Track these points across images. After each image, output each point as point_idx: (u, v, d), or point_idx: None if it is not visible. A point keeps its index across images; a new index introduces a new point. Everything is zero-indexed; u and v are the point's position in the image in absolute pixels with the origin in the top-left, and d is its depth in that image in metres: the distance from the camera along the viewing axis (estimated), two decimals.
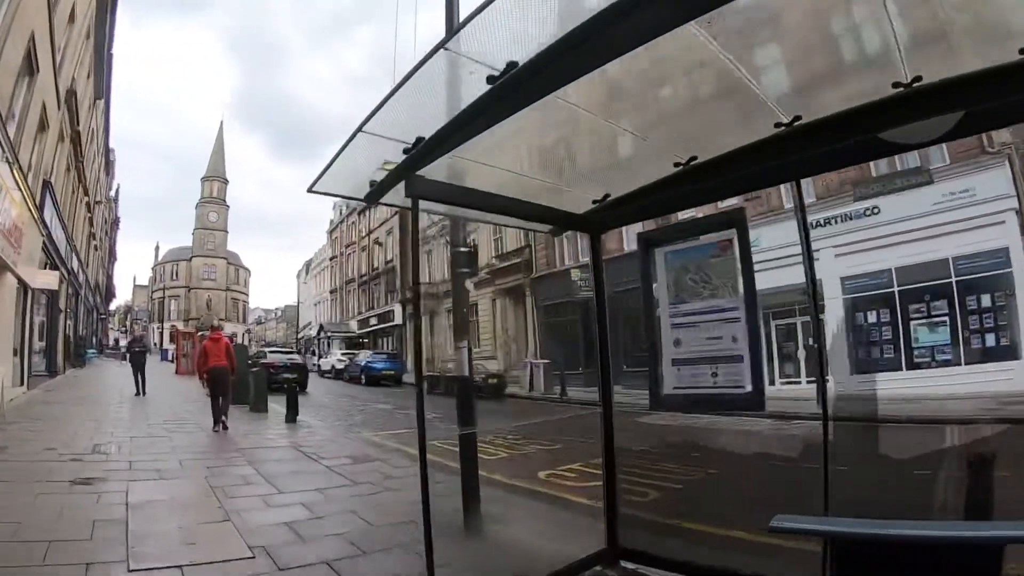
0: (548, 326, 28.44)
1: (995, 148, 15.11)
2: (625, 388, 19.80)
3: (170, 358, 51.09)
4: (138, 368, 18.77)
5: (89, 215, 32.66)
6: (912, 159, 15.56)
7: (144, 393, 17.78)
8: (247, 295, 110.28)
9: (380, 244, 49.75)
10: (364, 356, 32.70)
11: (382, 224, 50.56)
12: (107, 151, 42.47)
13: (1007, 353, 14.34)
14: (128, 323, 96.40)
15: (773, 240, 19.85)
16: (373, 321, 50.27)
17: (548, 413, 17.70)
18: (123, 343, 68.16)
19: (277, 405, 14.71)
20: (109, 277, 67.50)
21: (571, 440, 11.33)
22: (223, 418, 11.18)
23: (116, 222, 73.38)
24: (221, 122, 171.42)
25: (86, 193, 28.39)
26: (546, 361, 23.11)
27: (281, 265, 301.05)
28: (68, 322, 28.80)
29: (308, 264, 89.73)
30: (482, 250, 35.44)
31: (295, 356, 28.40)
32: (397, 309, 44.81)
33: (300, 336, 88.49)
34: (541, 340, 28.38)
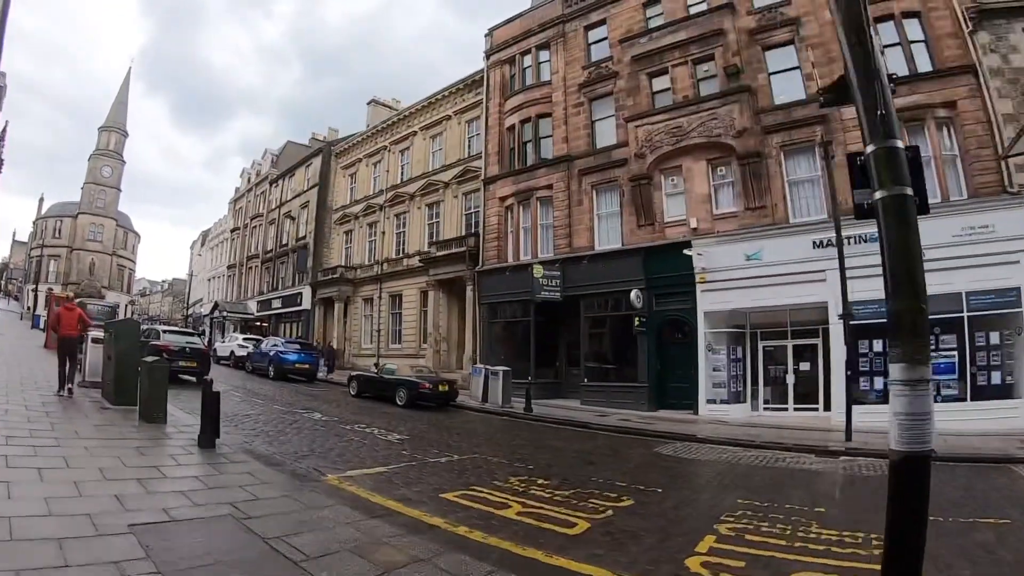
0: (492, 327, 25.46)
1: (1015, 188, 15.19)
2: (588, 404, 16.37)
3: (41, 326, 45.32)
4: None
5: None
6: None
7: None
8: (134, 262, 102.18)
9: (293, 218, 45.67)
10: (271, 344, 28.09)
11: (296, 196, 46.68)
12: None
13: (1010, 391, 14.57)
14: (4, 283, 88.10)
15: (777, 255, 17.76)
16: (276, 303, 46.11)
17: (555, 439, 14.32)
18: None
19: (177, 409, 11.25)
20: None
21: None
22: (69, 385, 12.41)
23: None
24: (129, 68, 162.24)
25: None
26: (506, 368, 19.83)
27: (170, 237, 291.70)
28: None
29: (205, 235, 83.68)
30: (413, 235, 32.12)
31: (195, 340, 22.46)
32: (306, 292, 41.01)
33: (189, 313, 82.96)
34: (483, 341, 25.56)
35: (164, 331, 22.24)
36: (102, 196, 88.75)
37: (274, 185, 52.35)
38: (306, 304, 40.84)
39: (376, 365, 26.11)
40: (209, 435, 8.62)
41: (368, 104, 44.19)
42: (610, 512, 7.09)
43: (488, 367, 20.54)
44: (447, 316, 28.99)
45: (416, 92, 41.56)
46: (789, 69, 19.55)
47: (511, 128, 26.85)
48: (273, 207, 51.48)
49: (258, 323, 49.65)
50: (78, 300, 30.36)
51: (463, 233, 29.29)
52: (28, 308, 66.63)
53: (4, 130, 66.68)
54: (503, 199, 26.17)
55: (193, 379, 19.01)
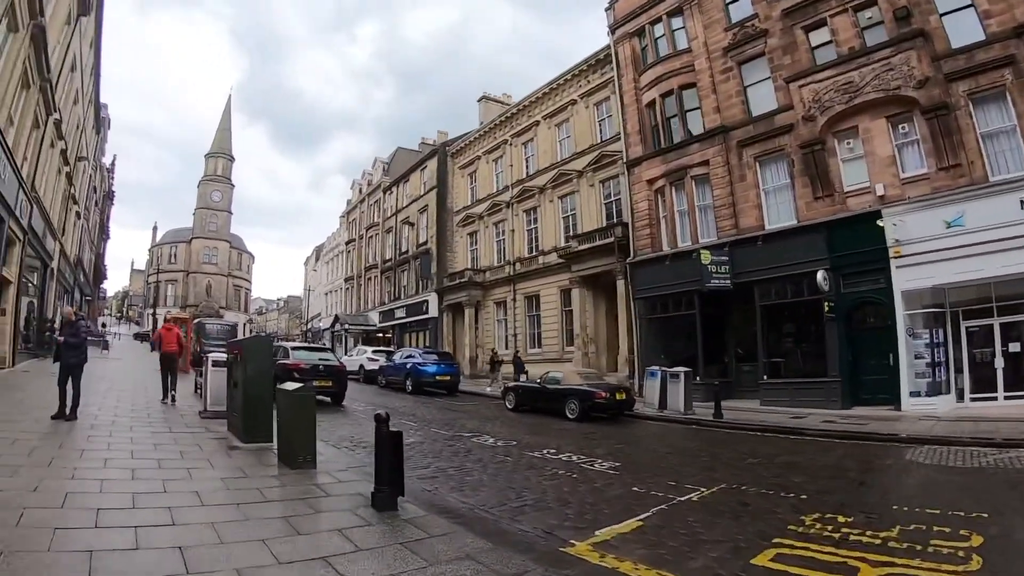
0: (650, 323, 23.84)
1: None
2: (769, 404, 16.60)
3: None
4: (69, 373, 10.49)
5: (67, 168, 28.12)
6: None
7: (71, 415, 10.25)
8: (250, 282, 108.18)
9: (411, 224, 45.45)
10: (406, 355, 27.22)
11: (413, 202, 46.49)
12: (97, 102, 37.23)
13: None
14: (124, 309, 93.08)
15: (981, 219, 15.27)
16: (400, 313, 46.00)
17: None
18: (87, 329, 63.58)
19: (322, 443, 9.25)
20: (99, 255, 62.56)
21: None
22: (172, 392, 14.48)
23: (110, 196, 69.22)
24: (229, 96, 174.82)
25: (60, 135, 23.76)
26: (687, 369, 17.80)
27: (280, 257, 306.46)
28: (25, 299, 24.05)
29: (319, 250, 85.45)
30: (547, 230, 30.51)
31: (329, 357, 20.54)
32: (432, 299, 40.58)
33: (307, 328, 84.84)
34: (639, 340, 24.04)
35: (293, 348, 20.63)
36: (214, 220, 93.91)
37: (388, 193, 52.56)
38: (433, 312, 40.39)
39: (515, 368, 25.73)
40: (389, 494, 6.33)
41: (479, 101, 43.52)
42: (979, 560, 5.38)
43: (666, 369, 18.62)
44: (594, 315, 27.37)
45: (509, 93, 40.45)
46: (962, 8, 16.87)
47: (651, 104, 25.00)
48: (389, 215, 51.63)
49: (380, 334, 50.14)
50: (196, 320, 30.47)
51: (603, 224, 27.80)
52: (150, 330, 69.26)
53: (113, 164, 70.23)
54: (651, 182, 24.31)
55: (328, 400, 18.03)
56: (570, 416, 17.04)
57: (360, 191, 62.25)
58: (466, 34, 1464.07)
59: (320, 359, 19.41)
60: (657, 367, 19.09)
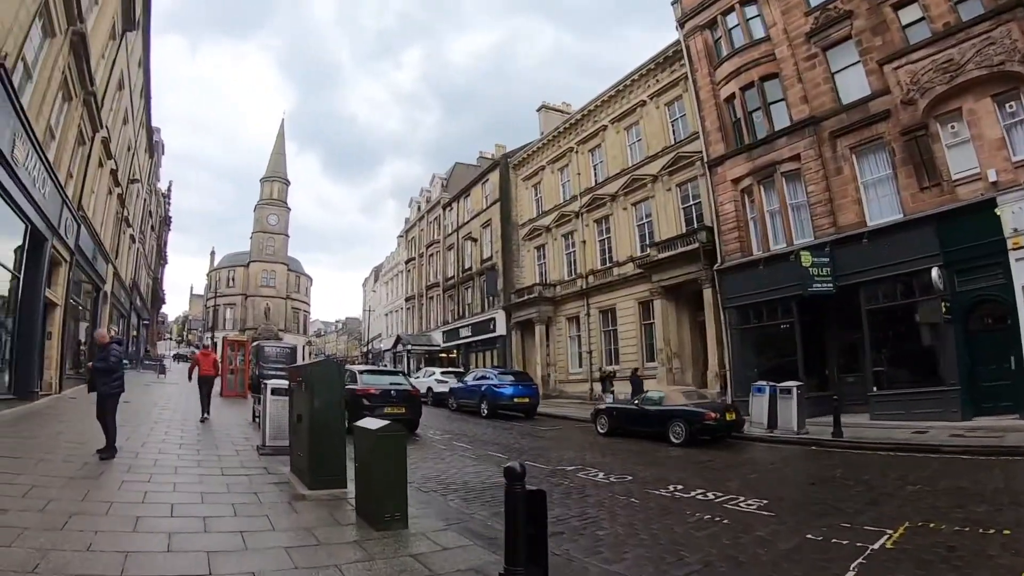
0: (742, 334, 22.63)
1: None
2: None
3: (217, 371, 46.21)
4: (105, 403, 9.63)
5: (118, 190, 28.25)
6: None
7: (109, 453, 9.35)
8: (308, 304, 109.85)
9: (474, 240, 44.91)
10: (479, 376, 26.49)
11: (475, 217, 46.12)
12: (149, 125, 37.49)
13: None
14: (184, 333, 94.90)
15: None
16: (464, 332, 45.57)
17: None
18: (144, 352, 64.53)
19: (412, 490, 7.53)
20: (157, 280, 63.52)
21: None
22: (206, 415, 16.00)
23: (167, 221, 70.47)
24: (282, 120, 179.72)
25: (109, 154, 23.79)
26: (798, 384, 16.45)
27: (336, 280, 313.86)
28: (74, 323, 23.82)
29: (377, 271, 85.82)
30: (621, 240, 29.40)
31: (401, 381, 19.01)
32: (499, 317, 40.02)
33: (367, 349, 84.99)
34: (731, 352, 22.93)
35: (361, 372, 18.87)
36: (271, 243, 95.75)
37: (448, 209, 52.40)
38: (500, 330, 39.77)
39: (605, 387, 25.07)
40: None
41: (538, 111, 42.94)
42: None
43: (775, 384, 17.21)
44: (677, 327, 26.02)
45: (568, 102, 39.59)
46: None
47: (730, 98, 24.04)
48: (450, 232, 51.42)
49: (443, 354, 49.88)
50: (254, 343, 29.90)
51: (683, 230, 26.69)
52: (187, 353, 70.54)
53: (169, 189, 71.56)
54: (737, 181, 23.19)
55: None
56: (675, 440, 15.69)
57: (418, 209, 62.37)
58: (508, 54, 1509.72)
59: (392, 383, 18.06)
60: (764, 382, 17.71)
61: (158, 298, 70.59)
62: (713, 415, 15.45)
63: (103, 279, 27.19)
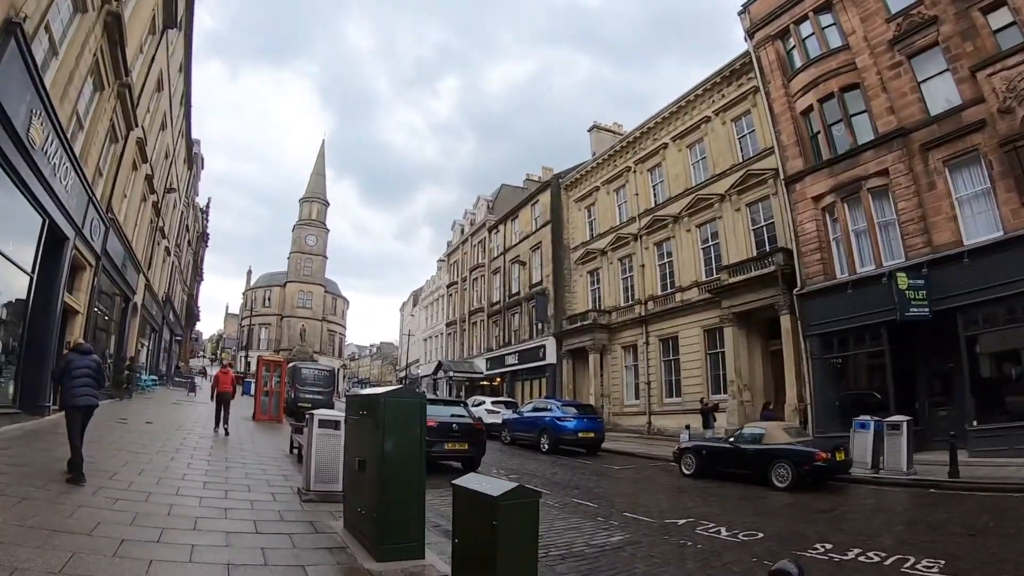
0: (825, 365, 21.44)
1: None
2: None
3: (251, 392, 45.58)
4: (76, 416, 8.79)
5: (153, 197, 27.93)
6: None
7: (74, 475, 8.34)
8: (344, 327, 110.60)
9: (522, 264, 44.12)
10: (537, 407, 24.81)
11: (524, 239, 45.39)
12: (188, 135, 37.39)
13: None
14: (218, 352, 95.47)
15: None
16: (511, 360, 44.68)
17: None
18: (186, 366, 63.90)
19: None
20: (192, 296, 63.65)
21: None
22: (225, 425, 17.60)
23: (204, 238, 70.83)
24: (323, 141, 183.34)
25: (144, 157, 23.44)
26: (907, 418, 15.03)
27: (371, 305, 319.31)
28: (105, 335, 23.55)
29: (416, 295, 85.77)
30: (685, 263, 28.25)
31: (462, 412, 17.04)
32: (550, 344, 39.01)
33: (403, 375, 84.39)
34: (813, 384, 21.61)
35: None
36: (308, 264, 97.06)
37: (494, 232, 51.96)
38: (550, 358, 38.81)
39: (707, 422, 23.40)
40: None
41: (589, 131, 42.76)
42: None
43: (880, 419, 15.76)
44: (747, 357, 24.48)
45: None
46: None
47: (806, 111, 23.10)
48: (496, 255, 50.84)
49: (485, 382, 49.24)
50: (290, 364, 29.05)
51: (753, 252, 25.69)
52: (239, 374, 69.70)
53: (207, 206, 72.02)
54: (817, 199, 22.09)
55: (459, 466, 15.29)
56: (778, 484, 14.01)
57: (461, 232, 62.11)
58: (543, 84, 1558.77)
59: (453, 415, 16.06)
60: (868, 417, 16.22)
61: (192, 314, 70.91)
62: (824, 455, 13.79)
63: (133, 289, 26.53)
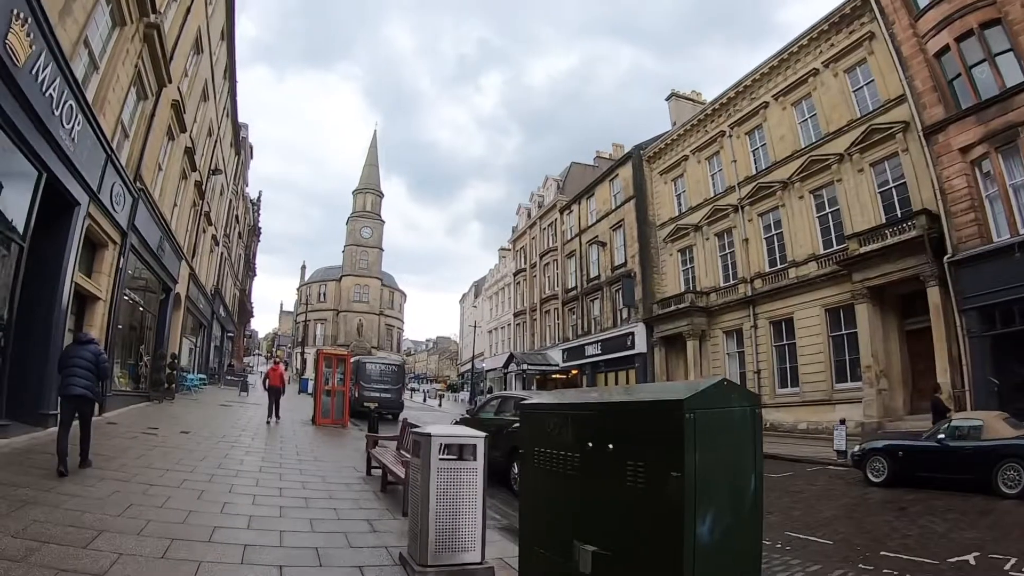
0: (984, 344, 19.21)
1: None
2: None
3: (309, 390, 44.68)
4: (65, 407, 9.00)
5: (195, 176, 26.91)
6: None
7: (80, 461, 8.88)
8: (402, 321, 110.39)
9: (602, 244, 42.24)
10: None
11: (603, 218, 43.82)
12: (234, 115, 37.00)
13: None
14: (274, 349, 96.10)
15: None
16: (591, 350, 43.14)
17: None
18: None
19: None
20: (244, 292, 63.31)
21: None
22: (275, 418, 20.09)
23: (256, 232, 70.61)
24: (374, 132, 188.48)
25: (182, 126, 21.80)
26: None
27: (424, 300, 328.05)
28: (140, 329, 22.32)
29: (478, 285, 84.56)
30: (798, 234, 26.13)
31: None
32: (639, 331, 37.19)
33: (464, 371, 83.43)
34: (971, 367, 19.31)
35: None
36: (364, 257, 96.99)
37: (566, 213, 50.53)
38: (640, 346, 37.00)
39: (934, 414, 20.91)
40: None
41: (667, 100, 41.39)
42: None
43: None
44: (883, 339, 22.26)
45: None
46: None
47: (941, 52, 20.92)
48: (569, 237, 49.45)
49: (560, 375, 47.79)
50: (354, 358, 27.43)
51: (881, 218, 23.55)
52: (296, 371, 69.04)
53: (259, 199, 71.80)
54: (965, 150, 19.92)
55: None
56: (1006, 491, 11.39)
57: (528, 216, 60.74)
58: (586, 76, 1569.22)
59: None
60: None
61: (246, 311, 70.91)
62: None
63: (174, 278, 24.67)
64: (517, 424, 11.41)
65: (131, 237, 17.20)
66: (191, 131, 23.71)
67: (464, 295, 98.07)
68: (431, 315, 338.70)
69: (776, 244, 28.78)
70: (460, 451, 6.09)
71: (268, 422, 19.74)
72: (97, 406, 11.71)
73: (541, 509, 4.76)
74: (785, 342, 27.73)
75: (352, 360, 26.88)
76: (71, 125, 11.32)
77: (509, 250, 66.67)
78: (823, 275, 25.38)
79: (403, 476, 8.18)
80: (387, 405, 27.80)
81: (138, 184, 17.12)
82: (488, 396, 16.28)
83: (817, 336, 25.81)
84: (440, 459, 5.96)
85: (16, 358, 10.76)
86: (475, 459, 6.07)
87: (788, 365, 27.51)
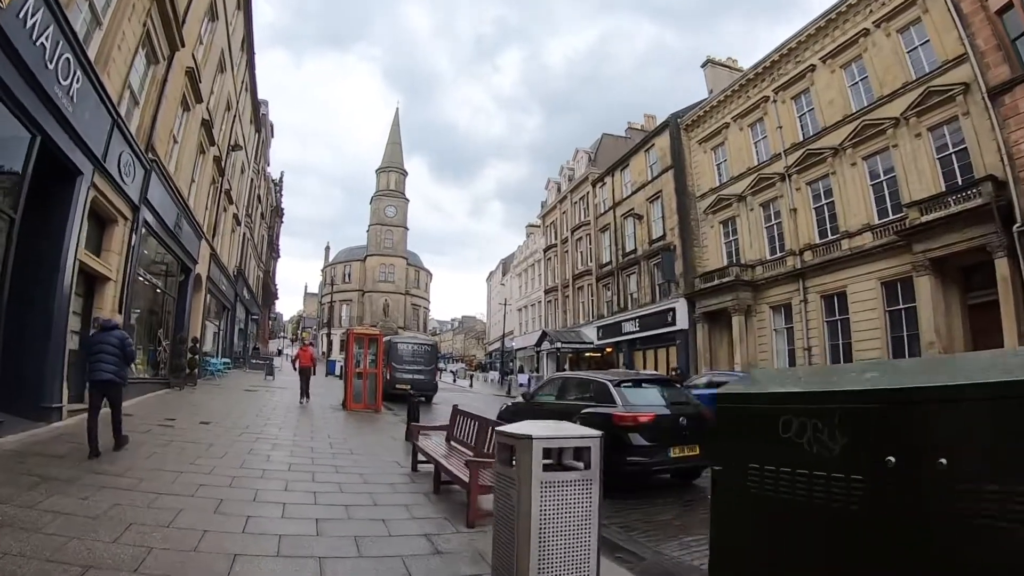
0: None
1: None
2: None
3: (337, 372, 44.47)
4: (93, 393, 9.34)
5: (214, 150, 26.05)
6: None
7: (111, 446, 9.35)
8: (428, 301, 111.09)
9: (639, 217, 41.78)
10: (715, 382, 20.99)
11: (639, 190, 43.23)
12: (253, 90, 37.87)
13: None
14: (299, 332, 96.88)
15: None
16: (629, 327, 42.70)
17: None
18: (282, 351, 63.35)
19: None
20: (268, 274, 63.33)
21: None
22: (307, 395, 21.69)
23: (279, 212, 70.68)
24: (396, 110, 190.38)
25: (198, 95, 21.09)
26: None
27: (447, 280, 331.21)
28: (161, 314, 22.00)
29: (505, 263, 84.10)
30: (851, 203, 25.57)
31: (682, 396, 12.01)
32: (680, 307, 36.64)
33: (492, 350, 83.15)
34: None
35: (618, 384, 11.09)
36: (389, 236, 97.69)
37: (599, 185, 49.95)
38: (681, 323, 36.44)
39: None
40: None
41: (703, 67, 40.97)
42: None
43: None
44: (944, 313, 21.56)
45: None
46: None
47: (1003, 9, 19.95)
48: (603, 210, 48.93)
49: (593, 353, 47.45)
50: (386, 338, 28.12)
51: (940, 186, 22.75)
52: (322, 353, 69.08)
53: (281, 180, 71.86)
54: None
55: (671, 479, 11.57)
56: None
57: (558, 190, 60.27)
58: (606, 54, 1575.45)
59: (672, 402, 11.07)
60: None
61: (270, 293, 71.11)
62: None
63: (194, 259, 24.09)
64: (589, 410, 10.62)
65: (144, 213, 16.35)
66: (208, 103, 23.21)
67: (491, 273, 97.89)
68: (455, 295, 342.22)
69: (826, 214, 28.00)
70: (559, 456, 4.68)
71: (301, 402, 21.16)
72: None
73: (763, 565, 3.31)
74: (837, 317, 27.03)
75: (385, 339, 26.38)
76: (69, 82, 10.39)
77: (537, 226, 66.22)
78: (879, 246, 24.59)
79: (464, 479, 7.33)
80: (421, 387, 27.03)
81: (150, 155, 16.27)
82: (549, 377, 14.34)
83: (872, 311, 25.10)
84: (543, 471, 4.54)
85: (9, 345, 9.76)
86: (590, 467, 4.68)
87: (841, 341, 26.76)
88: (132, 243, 15.58)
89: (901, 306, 23.94)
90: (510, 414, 13.45)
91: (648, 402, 10.84)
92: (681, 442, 10.11)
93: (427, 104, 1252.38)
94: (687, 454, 10.08)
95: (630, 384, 11.47)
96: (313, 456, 11.19)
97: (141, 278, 18.01)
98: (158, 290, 21.07)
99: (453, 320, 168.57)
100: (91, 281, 13.98)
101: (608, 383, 11.30)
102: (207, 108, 23.20)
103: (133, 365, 14.07)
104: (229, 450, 10.85)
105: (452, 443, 9.86)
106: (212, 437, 12.13)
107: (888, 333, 24.54)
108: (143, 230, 16.64)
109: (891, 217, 24.52)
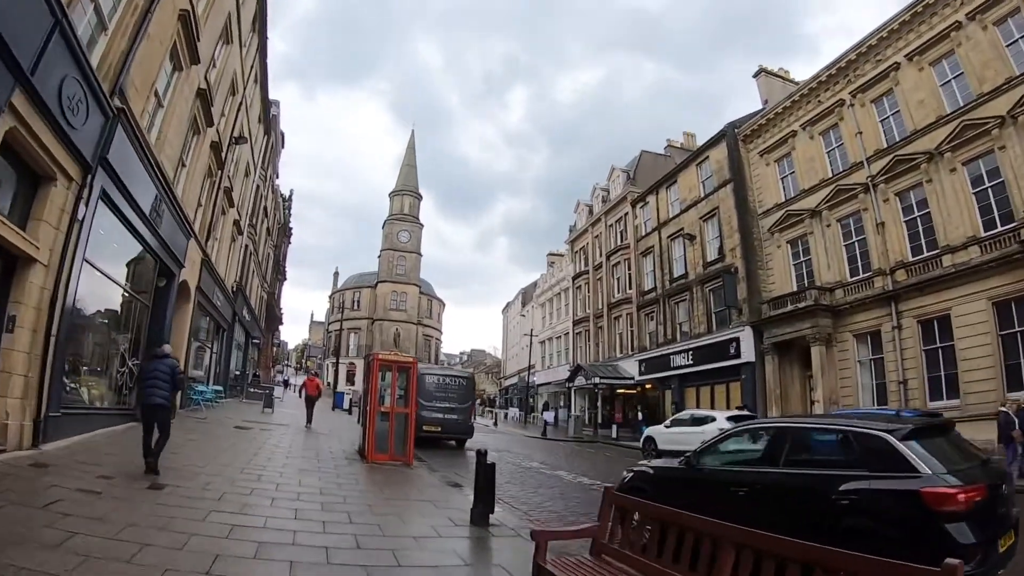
0: None
1: None
2: None
3: (345, 406, 42.83)
4: (145, 414, 10.90)
5: (211, 133, 23.55)
6: None
7: (150, 468, 10.68)
8: (440, 332, 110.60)
9: (690, 238, 40.16)
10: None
11: (690, 208, 42.13)
12: (264, 85, 36.62)
13: None
14: (303, 360, 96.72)
15: None
16: (679, 360, 41.13)
17: None
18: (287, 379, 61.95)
19: None
20: (272, 295, 61.99)
21: None
22: (310, 424, 25.72)
23: (287, 231, 69.78)
24: (412, 132, 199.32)
25: (194, 55, 18.70)
26: None
27: (455, 315, 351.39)
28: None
29: (525, 293, 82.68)
30: (951, 214, 23.79)
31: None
32: (745, 337, 34.86)
33: (508, 385, 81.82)
34: None
35: (904, 435, 7.02)
36: (402, 262, 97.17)
37: (640, 206, 49.13)
38: (747, 354, 34.60)
39: None
40: None
41: (755, 77, 40.46)
42: None
43: None
44: None
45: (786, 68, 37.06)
46: None
47: None
48: (645, 232, 48.03)
49: (632, 390, 46.46)
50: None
51: None
52: (328, 384, 67.35)
53: (290, 197, 71.03)
54: None
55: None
56: None
57: (590, 212, 59.61)
58: (611, 91, 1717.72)
59: (977, 462, 7.50)
60: None
61: (274, 316, 69.98)
62: None
63: (179, 260, 20.86)
64: (858, 485, 6.70)
65: (102, 179, 12.95)
66: (207, 71, 20.82)
67: (508, 304, 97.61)
68: (463, 329, 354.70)
69: (920, 227, 26.43)
70: None
71: (307, 427, 25.38)
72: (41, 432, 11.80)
73: None
74: (938, 344, 25.20)
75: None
76: None
77: (561, 255, 65.34)
78: (989, 261, 22.96)
79: None
80: (453, 429, 24.65)
81: (116, 102, 12.80)
82: (733, 428, 9.50)
83: (984, 336, 23.24)
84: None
85: None
86: None
87: (943, 372, 24.85)
88: (79, 216, 12.06)
89: (1017, 329, 22.23)
90: (658, 491, 8.73)
91: (954, 464, 6.81)
92: (1005, 528, 6.67)
93: (437, 139, 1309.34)
94: (1008, 544, 6.58)
95: (924, 433, 7.27)
96: (331, 570, 6.62)
97: (98, 271, 14.36)
98: (125, 293, 17.45)
99: (462, 353, 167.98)
100: (10, 261, 10.50)
101: (886, 436, 6.99)
102: (206, 77, 20.74)
103: (73, 386, 13.92)
104: (177, 559, 6.11)
105: (608, 559, 5.92)
106: (157, 519, 7.50)
107: (1002, 360, 22.62)
108: (99, 202, 13.10)
109: (999, 228, 23.02)
